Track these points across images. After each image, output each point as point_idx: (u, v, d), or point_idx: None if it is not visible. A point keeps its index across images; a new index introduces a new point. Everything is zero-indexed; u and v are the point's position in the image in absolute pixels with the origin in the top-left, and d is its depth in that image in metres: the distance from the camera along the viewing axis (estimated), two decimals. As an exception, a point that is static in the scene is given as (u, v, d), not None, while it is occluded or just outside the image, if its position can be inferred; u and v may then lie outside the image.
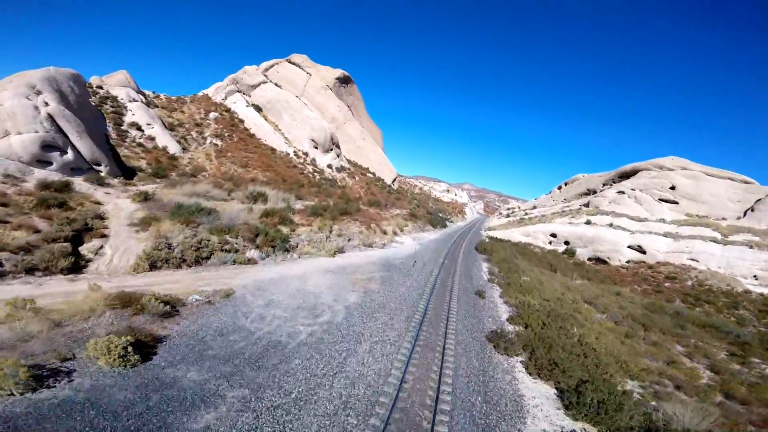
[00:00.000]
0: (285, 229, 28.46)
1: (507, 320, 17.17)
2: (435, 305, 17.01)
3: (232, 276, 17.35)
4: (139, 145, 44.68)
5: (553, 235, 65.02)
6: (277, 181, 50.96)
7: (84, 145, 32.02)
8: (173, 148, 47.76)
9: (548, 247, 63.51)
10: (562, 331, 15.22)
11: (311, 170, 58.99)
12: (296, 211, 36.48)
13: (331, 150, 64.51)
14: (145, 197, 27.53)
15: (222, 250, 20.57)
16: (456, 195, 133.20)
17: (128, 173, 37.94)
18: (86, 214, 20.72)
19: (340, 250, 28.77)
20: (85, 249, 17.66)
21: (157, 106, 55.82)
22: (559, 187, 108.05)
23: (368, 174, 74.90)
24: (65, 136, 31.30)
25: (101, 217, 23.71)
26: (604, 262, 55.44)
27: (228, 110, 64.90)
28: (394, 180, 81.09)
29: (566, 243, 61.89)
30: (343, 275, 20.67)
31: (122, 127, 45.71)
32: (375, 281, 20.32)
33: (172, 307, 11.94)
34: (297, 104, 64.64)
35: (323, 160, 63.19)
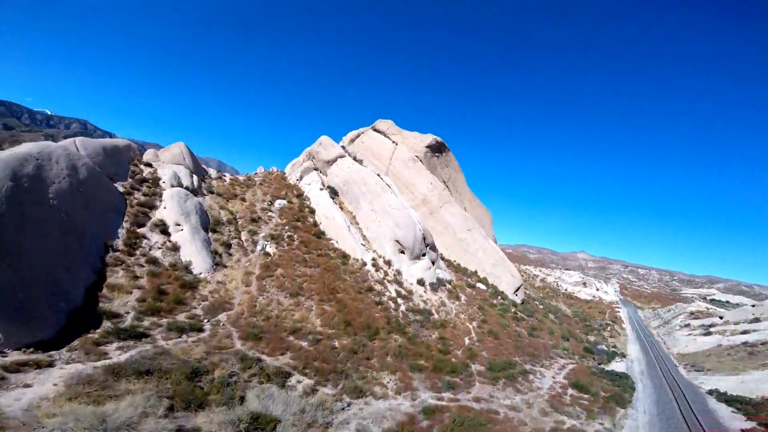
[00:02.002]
0: None
1: None
2: None
3: None
4: (151, 260, 30.59)
5: None
6: (337, 326, 30.85)
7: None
8: (200, 265, 32.75)
9: None
10: None
11: (394, 293, 37.75)
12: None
13: (424, 255, 42.85)
14: None
15: None
16: (598, 289, 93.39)
17: (84, 324, 22.80)
18: None
19: None
20: None
21: (212, 192, 44.05)
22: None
23: (478, 284, 49.99)
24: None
25: None
26: None
27: (300, 195, 50.73)
28: (518, 289, 53.69)
29: None
30: None
31: (141, 230, 32.89)
32: None
33: None
34: (377, 186, 46.52)
35: (412, 271, 41.67)
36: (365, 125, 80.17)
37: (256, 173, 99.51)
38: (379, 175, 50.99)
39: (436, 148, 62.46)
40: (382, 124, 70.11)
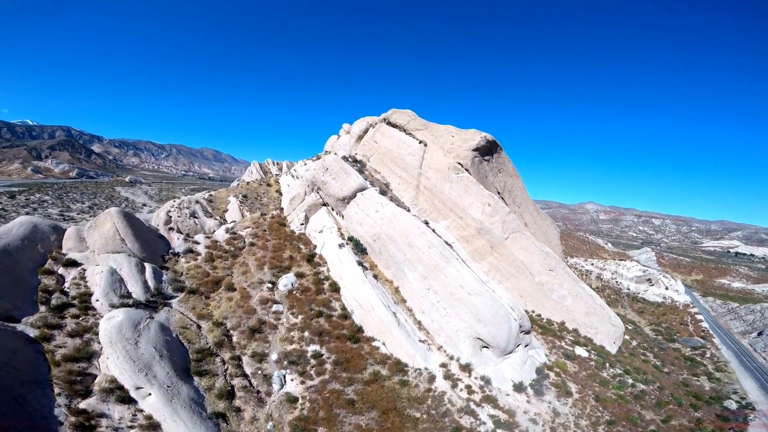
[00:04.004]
0: None
1: None
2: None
3: None
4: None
5: None
6: None
7: None
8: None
9: None
10: None
11: (491, 424, 27.13)
12: None
13: (518, 346, 31.76)
14: None
15: None
16: (667, 288, 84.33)
17: None
18: None
19: None
20: None
21: (182, 289, 31.28)
22: None
23: (578, 350, 40.00)
24: None
25: None
26: None
27: (311, 256, 37.99)
28: (618, 337, 44.16)
29: None
30: None
31: (89, 401, 20.85)
32: None
33: None
34: (432, 252, 33.39)
35: (503, 372, 30.99)
36: (370, 113, 65.68)
37: (248, 183, 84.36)
38: (427, 223, 37.50)
39: (486, 150, 48.95)
40: (400, 115, 55.78)
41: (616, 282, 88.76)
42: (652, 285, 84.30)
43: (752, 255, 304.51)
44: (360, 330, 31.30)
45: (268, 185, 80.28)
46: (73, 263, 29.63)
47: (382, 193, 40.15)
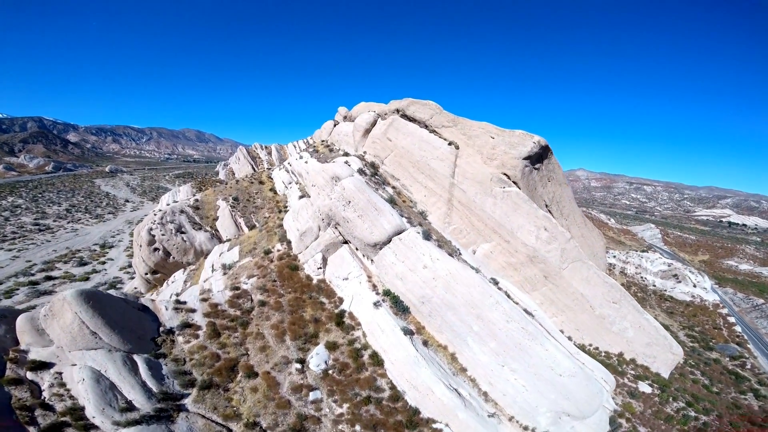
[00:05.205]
0: None
1: None
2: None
3: None
4: None
5: None
6: None
7: None
8: None
9: None
10: None
11: None
12: None
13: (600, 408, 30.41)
14: None
15: None
16: (695, 285, 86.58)
17: None
18: None
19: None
20: None
21: (192, 383, 27.06)
22: None
23: (641, 386, 39.40)
24: None
25: None
26: None
27: (340, 318, 33.98)
28: (673, 364, 44.30)
29: None
30: None
31: None
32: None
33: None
34: (510, 326, 28.95)
35: (579, 431, 29.50)
36: (369, 98, 61.89)
37: (237, 181, 77.70)
38: (496, 282, 33.86)
39: (537, 158, 46.01)
40: (420, 107, 51.00)
41: (641, 277, 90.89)
42: (680, 282, 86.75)
43: (744, 225, 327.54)
44: (416, 412, 28.44)
45: (261, 183, 75.05)
46: (41, 365, 24.77)
47: (427, 236, 35.98)
